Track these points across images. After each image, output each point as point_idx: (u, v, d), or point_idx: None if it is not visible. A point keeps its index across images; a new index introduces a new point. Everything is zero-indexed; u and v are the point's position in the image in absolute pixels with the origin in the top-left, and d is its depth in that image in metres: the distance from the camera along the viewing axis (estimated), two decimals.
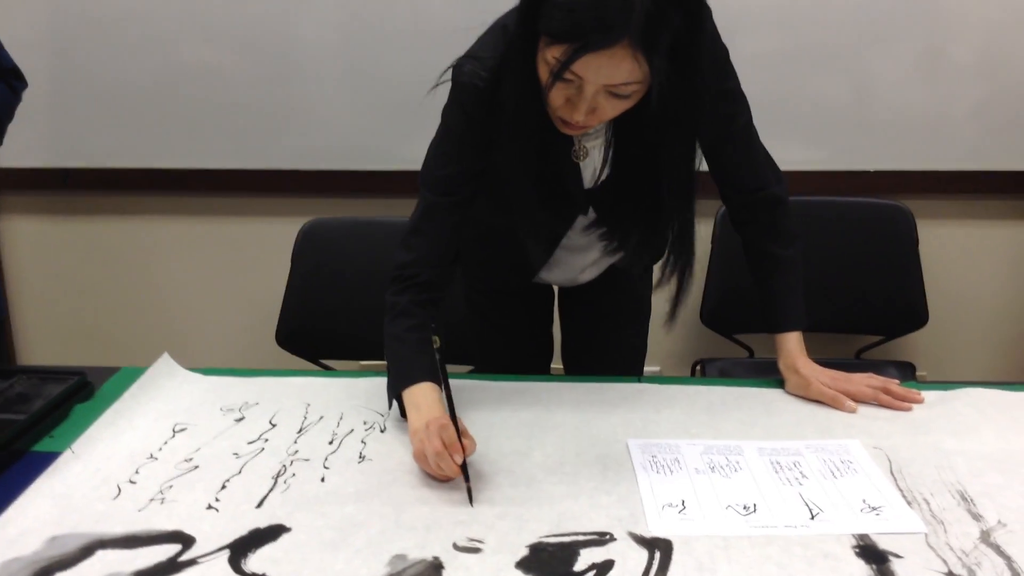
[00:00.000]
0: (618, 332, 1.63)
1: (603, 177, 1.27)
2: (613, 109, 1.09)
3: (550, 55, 1.03)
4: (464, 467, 1.07)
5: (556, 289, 1.67)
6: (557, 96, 1.08)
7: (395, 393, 1.25)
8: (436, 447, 1.07)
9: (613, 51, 0.99)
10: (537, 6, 1.03)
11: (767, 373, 1.44)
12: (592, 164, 1.27)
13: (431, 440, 1.08)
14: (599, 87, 1.04)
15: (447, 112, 1.26)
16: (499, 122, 1.18)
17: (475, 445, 1.12)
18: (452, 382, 1.23)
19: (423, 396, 1.20)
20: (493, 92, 1.17)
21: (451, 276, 1.34)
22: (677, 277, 1.27)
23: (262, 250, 2.49)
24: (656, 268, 1.34)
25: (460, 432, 1.08)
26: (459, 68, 1.20)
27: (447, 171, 1.27)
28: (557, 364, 1.74)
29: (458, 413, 1.10)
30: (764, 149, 1.37)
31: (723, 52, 1.25)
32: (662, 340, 2.48)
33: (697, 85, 1.09)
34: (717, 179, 1.37)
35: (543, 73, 1.07)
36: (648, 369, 2.24)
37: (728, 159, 1.34)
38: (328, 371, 1.92)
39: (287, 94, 2.32)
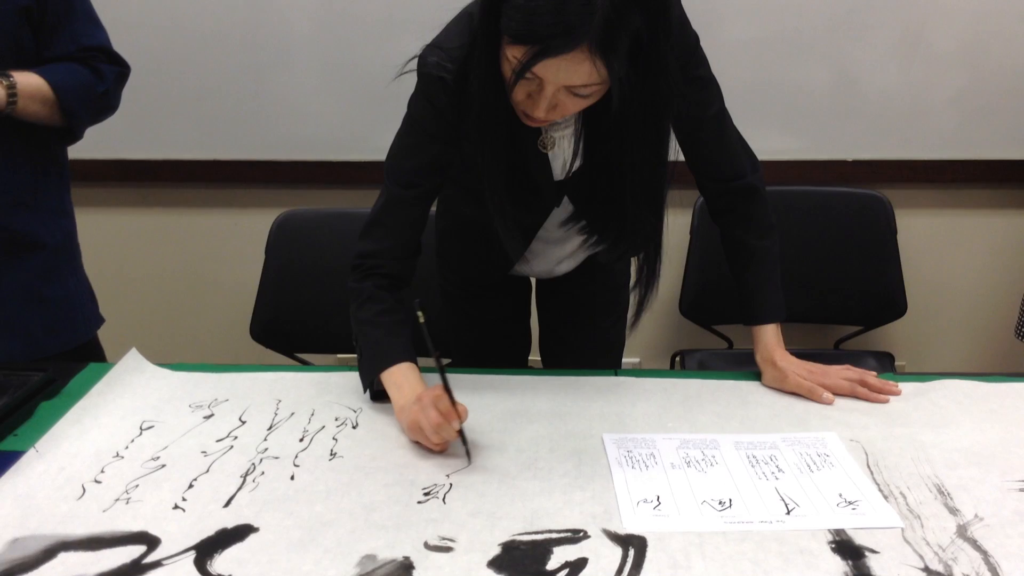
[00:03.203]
0: (595, 324, 1.62)
1: (574, 168, 1.26)
2: (575, 105, 1.09)
3: (511, 54, 1.03)
4: (461, 431, 1.10)
5: (533, 282, 1.66)
6: (519, 92, 1.08)
7: (373, 375, 1.24)
8: (434, 418, 1.09)
9: (572, 55, 0.98)
10: (498, 5, 1.02)
11: (746, 364, 1.43)
12: (562, 155, 1.25)
13: (426, 412, 1.10)
14: (559, 86, 1.04)
15: (413, 103, 1.24)
16: (466, 113, 1.16)
17: (467, 409, 1.12)
18: (426, 376, 1.21)
19: (403, 376, 1.22)
20: (460, 83, 1.16)
21: (413, 270, 1.33)
22: (644, 279, 1.29)
23: (235, 242, 2.46)
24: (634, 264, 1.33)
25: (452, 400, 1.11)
26: (424, 59, 1.18)
27: (412, 163, 1.26)
28: (536, 356, 1.73)
29: None
30: (740, 136, 1.35)
31: (693, 39, 1.24)
32: (641, 332, 2.45)
33: (661, 84, 1.08)
34: (693, 168, 1.36)
35: (506, 70, 1.07)
36: (627, 361, 2.23)
37: (702, 147, 1.33)
38: (300, 365, 1.90)
39: (260, 83, 2.29)
